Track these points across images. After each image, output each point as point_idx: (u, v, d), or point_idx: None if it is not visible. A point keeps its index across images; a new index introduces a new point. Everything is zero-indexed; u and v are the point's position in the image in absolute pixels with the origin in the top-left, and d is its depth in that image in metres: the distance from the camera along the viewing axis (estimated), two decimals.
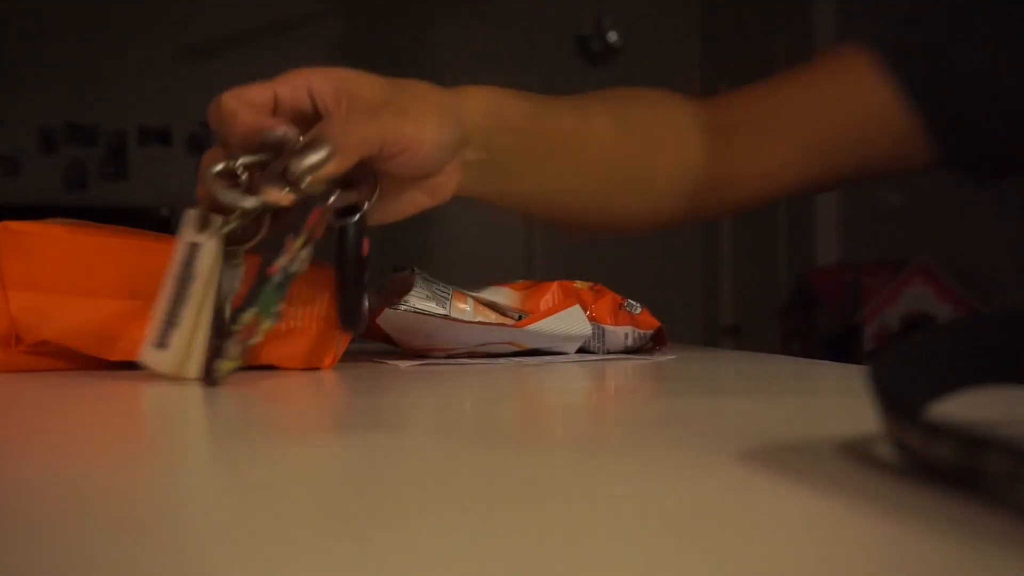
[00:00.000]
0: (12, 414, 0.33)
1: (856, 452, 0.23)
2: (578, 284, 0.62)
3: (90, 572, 0.13)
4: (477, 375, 0.47)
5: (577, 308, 0.59)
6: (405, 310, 0.54)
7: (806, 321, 2.47)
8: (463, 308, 0.56)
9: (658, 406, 0.36)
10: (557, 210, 0.60)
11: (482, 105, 0.52)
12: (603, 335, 0.61)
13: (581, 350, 0.61)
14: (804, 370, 0.53)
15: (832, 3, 2.96)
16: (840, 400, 0.36)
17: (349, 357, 0.57)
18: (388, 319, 0.54)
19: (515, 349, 0.58)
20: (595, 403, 0.37)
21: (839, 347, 2.28)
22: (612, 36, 4.31)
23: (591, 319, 0.60)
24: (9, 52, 4.32)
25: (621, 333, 0.62)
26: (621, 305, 0.63)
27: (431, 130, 0.47)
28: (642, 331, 0.63)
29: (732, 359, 0.61)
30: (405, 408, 0.34)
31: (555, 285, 0.61)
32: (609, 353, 0.61)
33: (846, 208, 2.89)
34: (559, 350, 0.59)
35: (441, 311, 0.54)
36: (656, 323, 0.64)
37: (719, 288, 4.02)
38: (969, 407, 0.25)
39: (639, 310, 0.64)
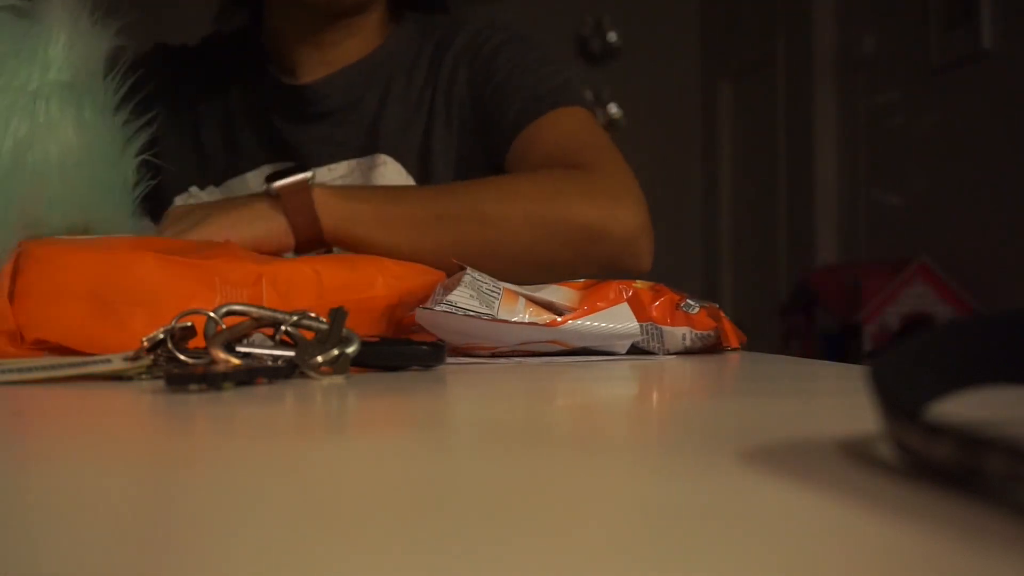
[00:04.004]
0: (18, 417, 0.33)
1: (856, 452, 0.23)
2: (638, 283, 0.62)
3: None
4: (497, 374, 0.47)
5: (624, 306, 0.58)
6: (439, 310, 0.54)
7: (806, 321, 2.47)
8: (513, 308, 0.56)
9: (658, 406, 0.36)
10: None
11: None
12: (661, 335, 0.61)
13: (640, 351, 0.60)
14: (804, 370, 0.53)
15: (832, 3, 2.96)
16: (840, 400, 0.36)
17: None
18: (424, 318, 0.55)
19: (562, 348, 0.58)
20: (595, 403, 0.37)
21: (839, 347, 2.27)
22: (612, 36, 4.31)
23: (650, 319, 0.60)
24: None
25: (679, 334, 0.61)
26: (678, 305, 0.62)
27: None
28: (698, 331, 0.62)
29: (732, 359, 0.61)
30: (408, 408, 0.34)
31: (614, 284, 0.61)
32: (669, 354, 0.61)
33: (846, 208, 2.89)
34: (608, 349, 0.59)
35: (484, 311, 0.55)
36: (712, 323, 0.63)
37: (719, 288, 4.02)
38: (969, 407, 0.25)
39: (696, 310, 0.63)
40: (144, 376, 0.43)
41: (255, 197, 0.78)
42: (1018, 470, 0.16)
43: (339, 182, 0.89)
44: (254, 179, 0.91)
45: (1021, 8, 2.15)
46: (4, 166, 0.54)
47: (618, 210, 0.82)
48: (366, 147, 0.91)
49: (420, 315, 0.55)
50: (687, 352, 0.62)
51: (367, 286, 0.58)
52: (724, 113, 3.82)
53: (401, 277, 0.61)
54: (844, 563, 0.14)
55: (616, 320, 0.57)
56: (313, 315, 0.45)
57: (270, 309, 0.45)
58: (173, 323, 0.43)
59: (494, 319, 0.55)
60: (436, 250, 0.77)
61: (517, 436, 0.27)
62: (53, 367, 0.42)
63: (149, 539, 0.15)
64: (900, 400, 0.20)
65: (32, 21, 0.61)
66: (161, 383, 0.40)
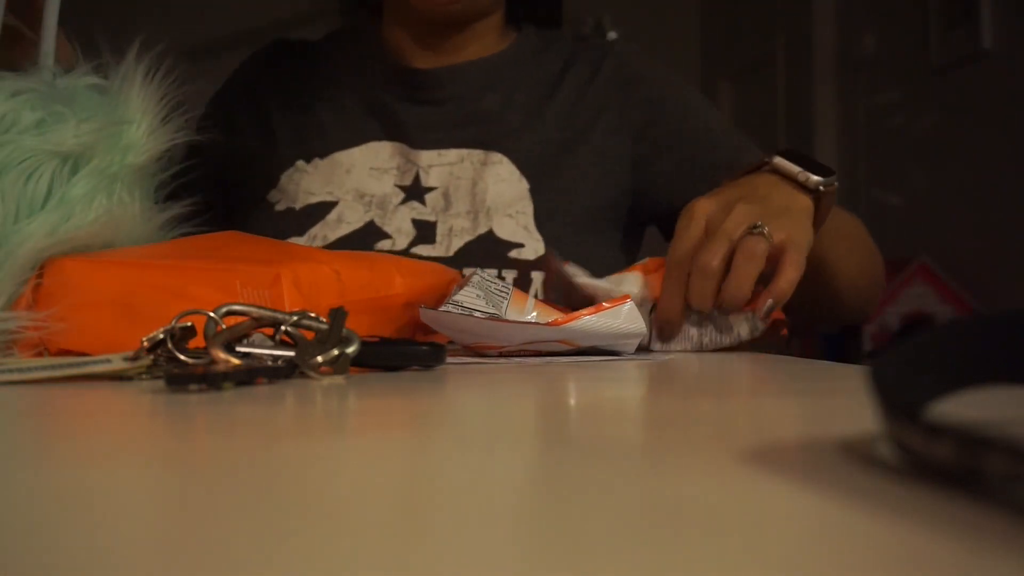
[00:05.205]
0: (18, 417, 0.33)
1: (856, 452, 0.23)
2: None
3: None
4: (498, 374, 0.47)
5: (629, 305, 0.58)
6: (442, 309, 0.55)
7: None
8: (522, 308, 0.57)
9: (658, 406, 0.36)
10: None
11: None
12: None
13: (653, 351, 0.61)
14: (804, 370, 0.53)
15: (832, 3, 2.96)
16: (840, 400, 0.36)
17: None
18: (427, 317, 0.56)
19: (568, 348, 0.58)
20: (593, 402, 0.37)
21: (839, 347, 2.27)
22: (612, 36, 4.30)
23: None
24: None
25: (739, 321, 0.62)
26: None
27: None
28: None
29: (732, 359, 0.61)
30: (408, 408, 0.34)
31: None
32: (704, 349, 0.62)
33: (846, 208, 2.89)
34: (615, 349, 0.59)
35: (488, 310, 0.55)
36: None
37: None
38: (969, 407, 0.25)
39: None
40: (144, 376, 0.43)
41: (792, 193, 0.70)
42: (1018, 470, 0.16)
43: (447, 169, 0.90)
44: (361, 153, 0.92)
45: (1021, 8, 2.15)
46: (82, 239, 0.58)
47: None
48: (480, 142, 0.92)
49: (424, 314, 0.56)
50: (701, 350, 0.63)
51: (386, 285, 0.58)
52: (724, 113, 3.81)
53: (419, 275, 0.61)
54: (844, 563, 0.14)
55: (618, 320, 0.58)
56: (313, 315, 0.45)
57: (270, 309, 0.45)
58: (173, 323, 0.43)
59: (493, 318, 0.55)
60: (846, 268, 0.84)
61: (516, 435, 0.27)
62: (53, 367, 0.42)
63: (148, 539, 0.15)
64: (900, 400, 0.20)
65: (116, 101, 0.64)
66: (161, 383, 0.40)
